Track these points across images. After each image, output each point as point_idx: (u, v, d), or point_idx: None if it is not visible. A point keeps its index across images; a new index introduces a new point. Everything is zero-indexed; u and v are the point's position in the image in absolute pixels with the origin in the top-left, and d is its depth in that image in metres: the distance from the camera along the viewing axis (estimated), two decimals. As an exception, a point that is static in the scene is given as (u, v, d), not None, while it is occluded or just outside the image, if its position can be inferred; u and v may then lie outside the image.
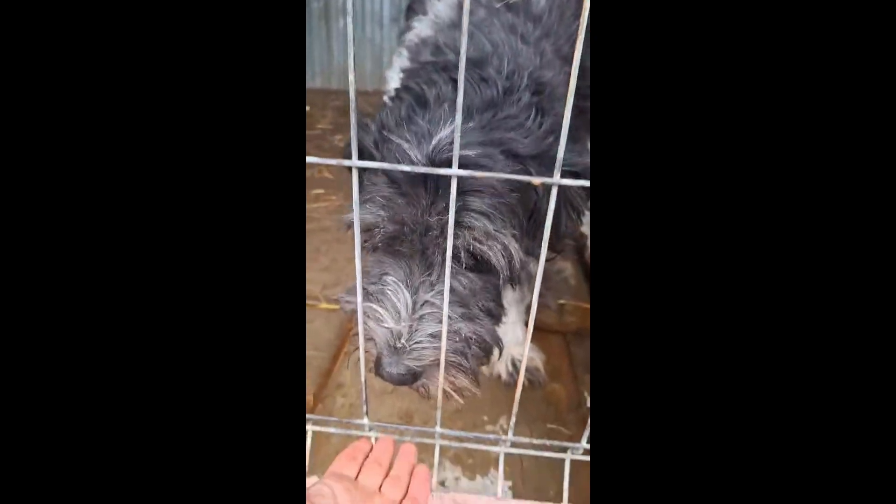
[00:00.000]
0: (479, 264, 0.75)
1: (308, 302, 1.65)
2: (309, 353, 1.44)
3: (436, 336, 0.72)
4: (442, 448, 0.78)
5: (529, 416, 1.29)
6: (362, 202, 0.74)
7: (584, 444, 0.74)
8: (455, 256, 0.72)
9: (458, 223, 0.69)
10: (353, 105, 0.52)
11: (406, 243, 0.74)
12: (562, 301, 1.75)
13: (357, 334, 0.72)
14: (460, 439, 0.79)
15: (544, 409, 1.34)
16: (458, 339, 0.75)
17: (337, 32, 3.91)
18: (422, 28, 1.03)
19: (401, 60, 1.08)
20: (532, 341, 0.64)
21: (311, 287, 1.72)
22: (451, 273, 0.71)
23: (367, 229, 0.75)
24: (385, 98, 1.18)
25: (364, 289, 0.76)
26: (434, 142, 0.69)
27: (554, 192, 0.55)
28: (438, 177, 0.69)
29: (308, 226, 2.11)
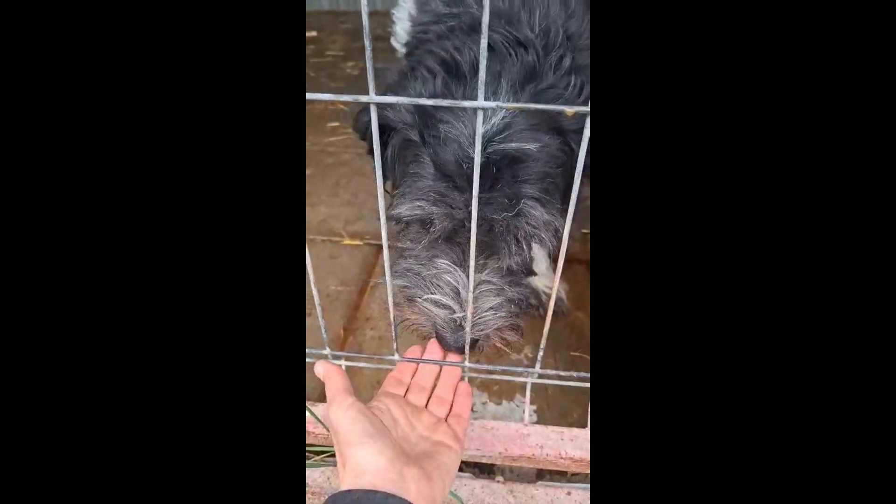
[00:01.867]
0: (531, 245, 0.77)
1: (332, 238, 1.66)
2: (337, 288, 1.47)
3: (495, 308, 0.77)
4: (469, 376, 0.82)
5: (554, 344, 1.32)
6: (410, 196, 0.73)
7: (611, 374, 0.76)
8: (517, 244, 0.75)
9: (518, 213, 0.70)
10: (366, 35, 0.48)
11: (464, 236, 0.74)
12: (585, 230, 1.73)
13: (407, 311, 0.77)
14: (489, 372, 0.82)
15: (568, 336, 1.36)
16: (512, 305, 0.79)
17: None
18: None
19: (409, 3, 1.00)
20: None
21: (334, 223, 1.72)
22: (510, 256, 0.76)
23: (419, 223, 0.75)
24: (394, 44, 1.09)
25: (412, 270, 0.79)
26: (484, 130, 0.65)
27: (588, 123, 0.51)
28: (496, 169, 0.69)
29: (325, 161, 2.08)
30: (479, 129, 0.52)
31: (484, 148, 0.67)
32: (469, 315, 0.71)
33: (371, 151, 0.90)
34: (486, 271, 0.78)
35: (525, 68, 0.72)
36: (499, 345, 0.82)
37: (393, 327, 0.76)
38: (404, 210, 0.74)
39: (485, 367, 0.80)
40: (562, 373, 0.79)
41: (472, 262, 0.65)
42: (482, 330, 0.78)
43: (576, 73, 0.74)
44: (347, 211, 1.79)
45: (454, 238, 0.77)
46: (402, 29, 1.03)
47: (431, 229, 0.75)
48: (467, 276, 0.74)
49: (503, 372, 0.82)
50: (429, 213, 0.73)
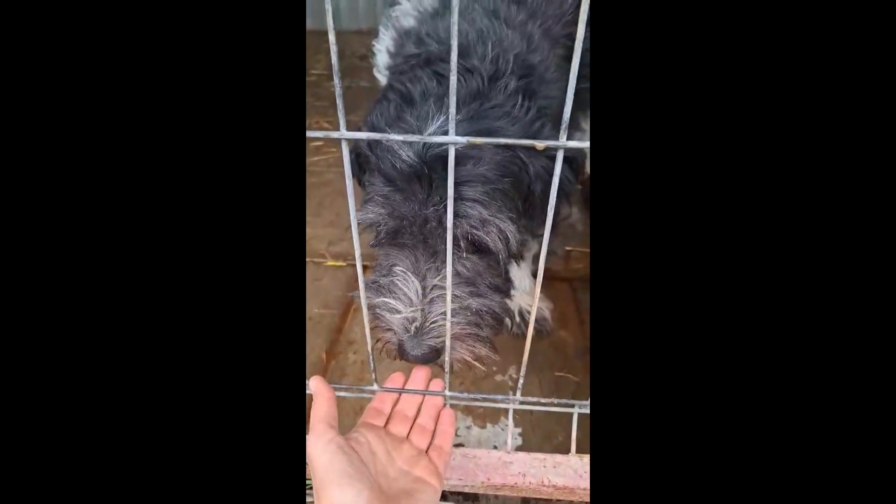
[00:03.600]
0: (479, 248, 0.79)
1: (314, 259, 1.65)
2: (319, 311, 1.46)
3: (449, 313, 0.76)
4: (452, 403, 0.81)
5: (537, 364, 1.32)
6: (365, 203, 0.79)
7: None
8: (456, 243, 0.77)
9: (454, 214, 0.71)
10: (336, 73, 0.48)
11: (408, 235, 0.78)
12: (568, 248, 1.74)
13: (375, 328, 0.78)
14: (471, 400, 0.81)
15: (552, 356, 1.36)
16: (469, 313, 0.80)
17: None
18: (406, 12, 1.00)
19: (387, 38, 1.06)
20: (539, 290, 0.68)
21: (316, 244, 1.71)
22: (455, 258, 0.78)
23: (370, 227, 0.80)
24: (375, 73, 1.15)
25: (376, 282, 0.81)
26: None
27: (560, 155, 0.51)
28: (432, 171, 0.73)
29: (309, 180, 2.07)
30: (452, 163, 0.52)
31: (424, 154, 0.73)
32: (450, 317, 0.70)
33: (360, 183, 0.92)
34: (438, 276, 0.79)
35: (469, 91, 0.79)
36: (467, 357, 0.82)
37: (370, 357, 0.75)
38: (360, 216, 0.80)
39: (466, 395, 0.79)
40: (542, 399, 0.78)
41: (449, 268, 0.64)
42: (438, 337, 0.78)
43: (525, 97, 0.80)
44: (330, 231, 1.78)
45: (400, 240, 0.81)
46: (381, 60, 1.07)
47: (380, 231, 0.80)
48: (420, 282, 0.79)
49: (485, 399, 0.81)
50: (377, 215, 0.79)
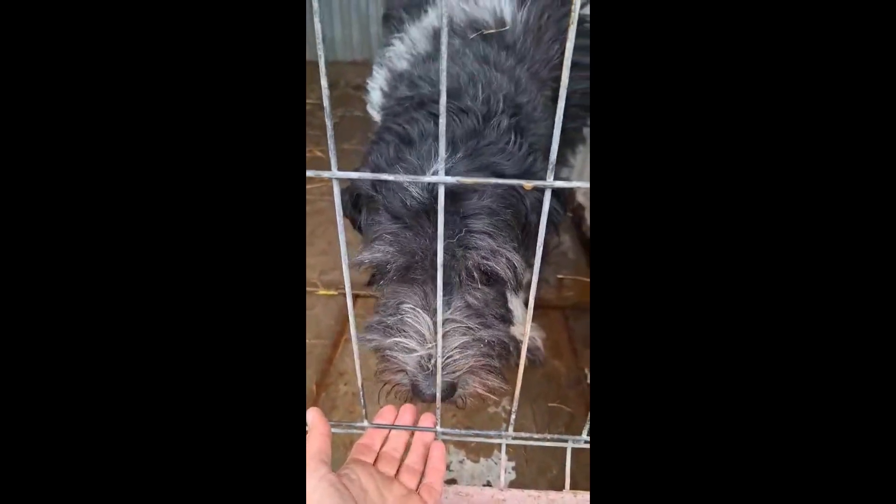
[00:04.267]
0: (489, 278, 0.80)
1: (306, 289, 1.64)
2: (310, 341, 1.44)
3: (463, 346, 0.77)
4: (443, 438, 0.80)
5: (531, 394, 1.30)
6: (371, 242, 0.79)
7: (585, 436, 0.74)
8: (469, 275, 0.78)
9: (465, 245, 0.75)
10: (328, 115, 0.49)
11: (419, 271, 0.78)
12: (560, 275, 1.75)
13: (385, 370, 0.78)
14: (462, 435, 0.80)
15: (545, 386, 1.35)
16: (482, 345, 0.79)
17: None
18: (399, 54, 1.02)
19: (381, 77, 1.09)
20: (532, 319, 0.67)
21: (309, 273, 1.70)
22: (466, 289, 0.79)
23: (378, 266, 0.80)
24: (369, 110, 1.18)
25: (382, 322, 0.81)
26: (429, 174, 0.75)
27: (548, 194, 0.52)
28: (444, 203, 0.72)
29: (302, 208, 2.08)
30: (441, 202, 0.53)
31: (430, 191, 0.74)
32: (439, 356, 0.70)
33: (353, 223, 0.93)
34: (449, 310, 0.79)
35: (466, 129, 0.81)
36: (480, 391, 0.81)
37: (360, 392, 0.74)
38: (366, 255, 0.80)
39: (457, 431, 0.78)
40: (536, 434, 0.78)
41: (439, 303, 0.64)
42: (454, 372, 0.77)
43: (518, 134, 0.82)
44: (322, 260, 1.78)
45: (411, 276, 0.80)
46: (375, 97, 1.10)
47: (390, 269, 0.80)
48: (432, 318, 0.77)
49: (477, 435, 0.80)
50: (385, 254, 0.78)
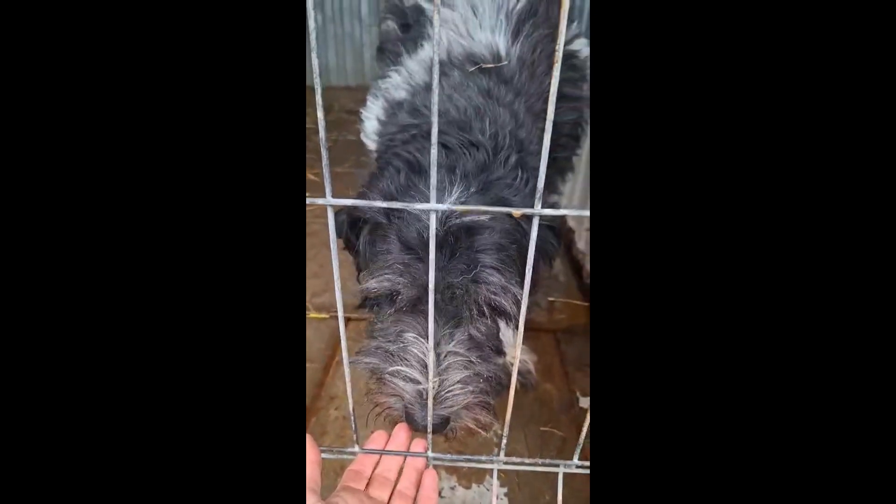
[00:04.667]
0: (498, 313, 0.81)
1: (297, 311, 1.64)
2: (300, 365, 1.43)
3: (464, 381, 0.77)
4: (435, 464, 0.79)
5: (523, 418, 1.30)
6: (377, 270, 0.80)
7: (576, 461, 0.74)
8: (479, 310, 0.80)
9: (475, 280, 0.77)
10: (323, 145, 0.50)
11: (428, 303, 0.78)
12: (551, 299, 1.76)
13: (378, 393, 0.78)
14: (453, 461, 0.79)
15: (537, 410, 1.35)
16: (481, 380, 0.80)
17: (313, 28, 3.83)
18: (397, 85, 1.05)
19: (377, 107, 1.11)
20: (523, 342, 0.68)
21: (300, 296, 1.70)
22: (471, 322, 0.80)
23: (387, 295, 0.80)
24: (363, 139, 1.20)
25: (381, 348, 0.81)
26: (442, 209, 0.76)
27: (535, 221, 0.54)
28: (454, 239, 0.76)
29: (294, 231, 2.08)
30: (433, 227, 0.54)
31: (443, 223, 0.76)
32: (431, 387, 0.70)
33: (347, 247, 0.94)
34: (452, 342, 0.79)
35: (477, 163, 0.83)
36: (471, 426, 0.81)
37: (352, 417, 0.74)
38: (373, 283, 0.79)
39: (449, 456, 0.78)
40: (527, 459, 0.77)
41: (431, 336, 0.65)
42: (451, 407, 0.77)
43: (523, 169, 0.84)
44: (314, 283, 1.78)
45: (420, 308, 0.80)
46: (370, 126, 1.12)
47: (398, 299, 0.79)
48: (435, 349, 0.76)
49: (468, 461, 0.79)
50: (395, 284, 0.78)
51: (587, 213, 0.54)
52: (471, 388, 0.79)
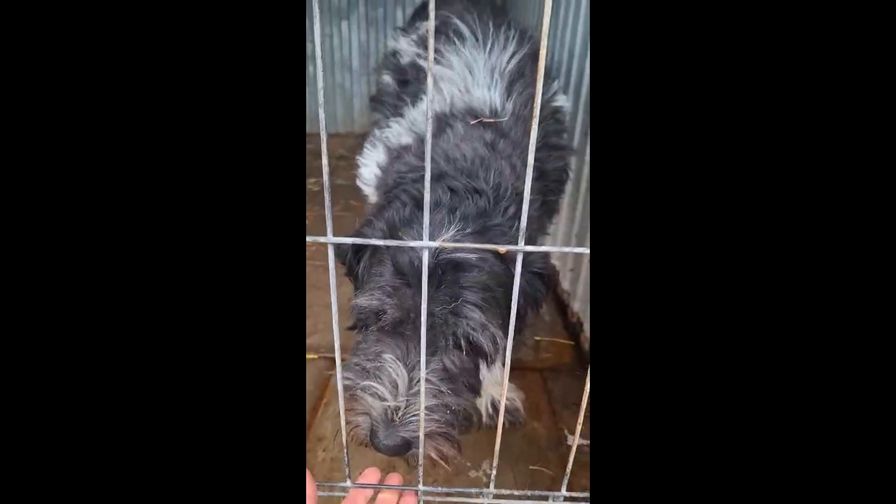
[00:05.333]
0: (473, 348, 0.85)
1: (285, 352, 1.64)
2: (288, 406, 1.42)
3: (430, 409, 0.80)
4: (426, 499, 0.80)
5: (511, 457, 1.30)
6: (368, 289, 0.84)
7: (565, 492, 0.76)
8: (455, 342, 0.84)
9: (457, 314, 0.81)
10: (326, 189, 0.55)
11: (410, 327, 0.83)
12: (538, 337, 1.79)
13: (350, 409, 0.80)
14: (444, 494, 0.80)
15: (526, 448, 1.35)
16: (447, 412, 0.83)
17: (306, 78, 4.01)
18: (399, 133, 1.13)
19: (376, 153, 1.19)
20: (510, 380, 0.71)
21: (289, 336, 1.71)
22: (447, 353, 0.84)
23: (373, 313, 0.84)
24: (359, 184, 1.27)
25: (359, 365, 0.84)
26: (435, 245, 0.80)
27: (519, 258, 0.59)
28: (442, 272, 0.82)
29: (283, 272, 2.10)
30: (426, 263, 0.59)
31: (435, 257, 0.81)
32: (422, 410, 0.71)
33: (348, 274, 0.98)
34: (427, 370, 0.81)
35: (478, 208, 0.90)
36: (433, 455, 0.83)
37: (345, 450, 0.75)
38: (363, 300, 0.85)
39: (439, 489, 0.79)
40: (516, 492, 0.79)
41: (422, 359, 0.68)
42: (414, 431, 0.79)
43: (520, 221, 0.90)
44: (303, 323, 1.79)
45: (400, 330, 0.84)
46: (368, 172, 1.19)
47: (383, 318, 0.83)
48: (408, 373, 0.81)
49: (459, 494, 0.80)
50: (383, 304, 0.83)
51: (569, 249, 0.59)
52: (436, 417, 0.81)
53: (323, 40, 3.94)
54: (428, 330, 0.80)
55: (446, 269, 0.82)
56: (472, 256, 0.83)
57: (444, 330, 0.82)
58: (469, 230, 0.86)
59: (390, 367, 0.81)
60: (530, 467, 1.28)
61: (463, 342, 0.84)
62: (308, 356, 1.62)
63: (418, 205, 0.90)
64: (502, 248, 0.58)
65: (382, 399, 0.79)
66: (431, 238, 0.83)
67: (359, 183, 1.26)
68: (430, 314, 0.80)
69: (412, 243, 0.57)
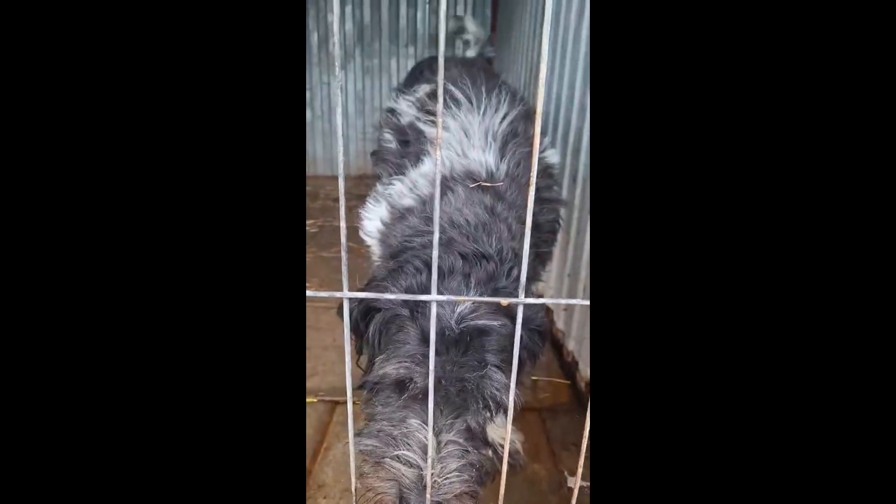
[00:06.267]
0: (497, 406, 0.89)
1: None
2: (288, 452, 1.42)
3: (459, 470, 0.83)
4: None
5: (513, 501, 1.30)
6: (395, 357, 0.87)
7: (567, 535, 0.77)
8: (485, 404, 0.89)
9: (483, 377, 0.86)
10: (343, 248, 0.60)
11: (438, 394, 0.85)
12: (535, 378, 1.81)
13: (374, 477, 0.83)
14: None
15: (527, 491, 1.35)
16: (473, 470, 0.86)
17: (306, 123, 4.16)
18: (401, 193, 1.20)
19: (379, 210, 1.24)
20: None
21: (288, 380, 1.71)
22: (472, 414, 0.88)
23: (399, 381, 0.87)
24: (363, 236, 1.32)
25: (383, 430, 0.87)
26: (458, 310, 0.87)
27: (520, 310, 0.63)
28: (470, 338, 0.86)
29: (281, 315, 2.12)
30: (434, 317, 0.63)
31: (459, 323, 0.86)
32: (429, 476, 0.74)
33: (355, 333, 1.02)
34: (452, 432, 0.85)
35: (487, 273, 0.95)
36: None
37: (353, 494, 0.76)
38: (390, 368, 0.87)
39: (446, 535, 0.80)
40: (521, 536, 0.80)
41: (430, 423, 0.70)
42: (446, 494, 0.81)
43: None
44: (302, 367, 1.80)
45: (425, 397, 0.85)
46: (371, 226, 1.24)
47: (411, 387, 0.86)
48: (436, 437, 0.83)
49: (464, 541, 0.81)
50: (411, 372, 0.85)
51: (563, 301, 0.64)
52: (465, 477, 0.84)
53: (320, 88, 4.11)
54: (457, 393, 0.86)
55: (472, 336, 0.86)
56: (495, 323, 0.88)
57: (476, 394, 0.86)
58: (484, 295, 0.91)
59: (419, 433, 0.83)
60: (532, 511, 1.28)
61: (491, 403, 0.88)
62: (307, 399, 1.62)
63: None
64: (504, 301, 0.62)
65: (416, 466, 0.81)
66: (452, 304, 0.88)
67: (361, 234, 1.31)
68: (462, 379, 0.85)
69: (421, 297, 0.62)
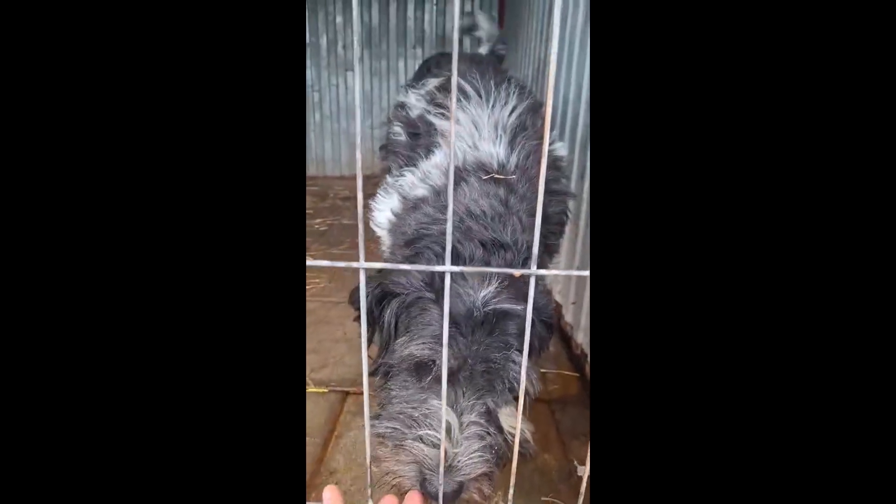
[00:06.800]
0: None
1: (296, 387, 1.66)
2: (300, 440, 1.43)
3: (480, 451, 0.84)
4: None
5: (524, 489, 1.31)
6: (419, 337, 0.88)
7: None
8: (509, 385, 0.90)
9: (507, 358, 0.89)
10: (360, 220, 0.62)
11: (465, 374, 0.87)
12: (544, 370, 1.82)
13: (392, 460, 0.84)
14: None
15: (538, 480, 1.36)
16: (491, 452, 0.86)
17: (313, 124, 4.18)
18: (413, 184, 1.21)
19: (391, 201, 1.26)
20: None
21: (299, 372, 1.73)
22: (495, 395, 0.89)
23: (421, 364, 0.89)
24: (373, 227, 1.33)
25: (404, 412, 0.88)
26: (482, 294, 0.89)
27: (532, 280, 0.64)
28: (495, 320, 0.88)
29: (292, 310, 2.15)
30: (448, 290, 0.64)
31: (485, 305, 0.87)
32: (443, 457, 0.75)
33: (369, 320, 1.02)
34: (473, 413, 0.86)
35: (506, 262, 0.97)
36: (476, 497, 0.85)
37: (368, 474, 0.77)
38: (414, 349, 0.88)
39: (459, 517, 0.81)
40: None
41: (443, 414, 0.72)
42: (467, 475, 0.82)
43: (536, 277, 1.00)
44: (312, 358, 1.82)
45: (451, 379, 0.87)
46: (382, 217, 1.25)
47: (434, 368, 0.87)
48: (458, 417, 0.84)
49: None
50: (435, 353, 0.86)
51: (574, 273, 0.65)
52: (486, 458, 0.85)
53: (328, 90, 4.16)
54: (481, 374, 0.87)
55: (498, 318, 0.88)
56: (518, 307, 0.89)
57: (503, 374, 0.88)
58: (506, 283, 0.91)
59: (439, 413, 0.84)
60: (542, 499, 1.29)
61: (515, 385, 0.89)
62: (319, 389, 1.64)
63: (458, 256, 0.95)
64: (517, 272, 0.64)
65: (436, 446, 0.82)
66: (477, 288, 0.89)
67: (372, 226, 1.33)
68: (487, 360, 0.86)
69: (436, 268, 0.63)
